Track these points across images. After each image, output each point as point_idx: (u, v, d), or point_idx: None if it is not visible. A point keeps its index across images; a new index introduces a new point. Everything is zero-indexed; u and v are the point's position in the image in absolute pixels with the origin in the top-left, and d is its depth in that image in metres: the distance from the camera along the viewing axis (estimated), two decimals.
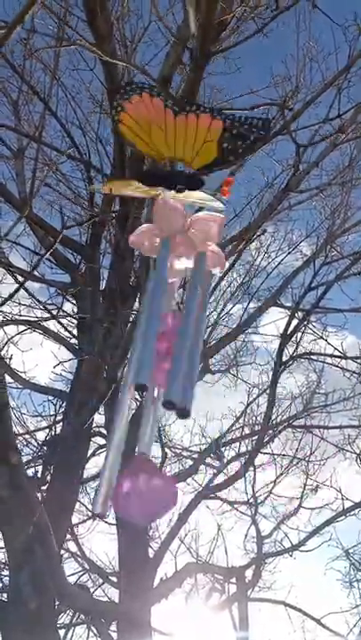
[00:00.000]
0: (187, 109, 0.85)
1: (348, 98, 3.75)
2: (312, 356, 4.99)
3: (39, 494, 3.16)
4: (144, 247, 0.81)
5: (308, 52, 4.21)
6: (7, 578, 3.31)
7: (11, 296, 2.71)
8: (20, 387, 4.12)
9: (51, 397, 4.13)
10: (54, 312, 3.85)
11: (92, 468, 4.78)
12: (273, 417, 4.66)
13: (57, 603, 3.03)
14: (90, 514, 4.75)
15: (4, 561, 3.74)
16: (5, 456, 2.32)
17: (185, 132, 0.84)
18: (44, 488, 3.46)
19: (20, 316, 3.96)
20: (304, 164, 3.93)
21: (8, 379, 3.89)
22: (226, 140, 0.83)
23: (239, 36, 2.60)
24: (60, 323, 3.93)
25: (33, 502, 2.49)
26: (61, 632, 3.85)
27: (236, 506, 4.92)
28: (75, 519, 4.54)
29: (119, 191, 0.87)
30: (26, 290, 3.70)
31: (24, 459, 4.23)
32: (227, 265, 4.88)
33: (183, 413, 0.62)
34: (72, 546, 4.50)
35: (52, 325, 4.19)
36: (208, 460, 4.76)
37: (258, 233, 4.41)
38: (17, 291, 2.70)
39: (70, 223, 3.91)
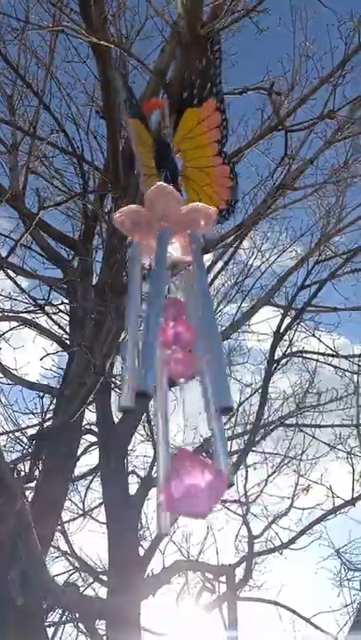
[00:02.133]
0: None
1: (343, 95, 3.76)
2: (305, 355, 4.98)
3: (27, 491, 3.13)
4: (126, 226, 0.79)
5: (305, 50, 4.22)
6: None
7: None
8: (10, 383, 4.09)
9: (41, 393, 4.10)
10: (46, 307, 3.82)
11: (83, 465, 4.77)
12: (265, 416, 4.66)
13: (44, 601, 3.01)
14: (80, 512, 4.73)
15: None
16: None
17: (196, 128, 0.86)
18: (32, 485, 3.43)
19: (12, 312, 3.94)
20: (300, 161, 3.92)
21: None
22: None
23: (230, 19, 2.56)
24: (50, 317, 3.90)
25: (16, 496, 2.46)
26: (50, 631, 3.83)
27: (227, 505, 4.91)
28: (65, 517, 4.52)
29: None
30: (17, 284, 3.68)
31: (14, 456, 4.21)
32: (220, 263, 4.90)
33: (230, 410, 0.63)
34: (62, 544, 4.48)
35: (45, 322, 4.17)
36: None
37: (251, 228, 4.39)
38: None
39: (63, 218, 3.87)
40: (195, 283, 0.74)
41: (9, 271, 3.61)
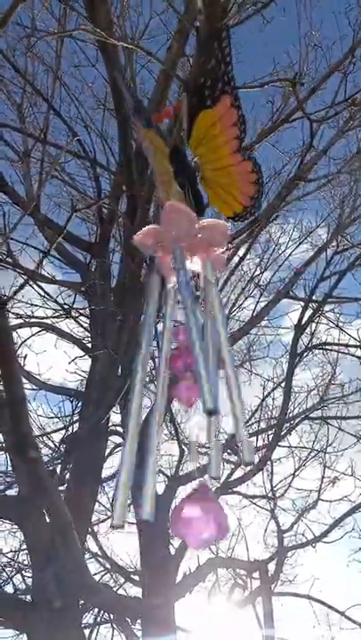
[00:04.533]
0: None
1: (353, 83, 3.71)
2: (327, 347, 4.94)
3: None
4: (147, 247, 0.80)
5: (311, 40, 4.18)
6: (30, 579, 3.32)
7: (16, 292, 2.69)
8: (35, 388, 4.13)
9: (66, 397, 4.12)
10: (66, 309, 3.84)
11: (110, 467, 4.79)
12: (289, 410, 4.63)
13: (81, 601, 3.03)
14: (110, 513, 4.75)
15: (26, 562, 3.76)
16: (25, 454, 2.30)
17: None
18: (62, 488, 3.45)
19: (34, 317, 3.97)
20: (313, 151, 3.88)
21: (23, 380, 3.91)
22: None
23: (240, 17, 2.54)
24: (74, 319, 3.93)
25: (53, 497, 2.47)
26: (86, 632, 3.86)
27: (255, 500, 4.90)
28: (94, 518, 4.55)
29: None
30: (42, 289, 3.70)
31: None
32: (236, 259, 4.88)
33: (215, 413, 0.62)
34: (92, 546, 4.51)
35: (65, 326, 4.20)
36: (225, 456, 4.73)
37: (268, 223, 4.36)
38: (22, 287, 2.68)
39: (77, 222, 3.89)
40: (209, 302, 0.75)
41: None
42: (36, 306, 3.81)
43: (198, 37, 2.03)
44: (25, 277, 2.72)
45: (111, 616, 3.76)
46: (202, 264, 0.79)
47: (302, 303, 4.65)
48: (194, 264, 0.79)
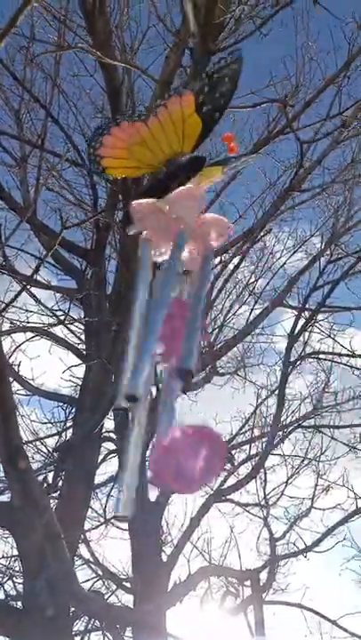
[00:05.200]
0: (155, 106, 0.81)
1: (348, 95, 3.76)
2: (320, 356, 4.97)
3: (50, 501, 3.15)
4: (141, 218, 0.78)
5: (307, 52, 4.23)
6: (21, 585, 3.31)
7: (12, 301, 2.71)
8: (28, 393, 4.13)
9: (60, 404, 4.13)
10: (62, 318, 3.85)
11: (102, 473, 4.78)
12: (282, 418, 4.64)
13: (72, 609, 3.02)
14: (102, 520, 4.75)
15: (17, 569, 3.75)
16: (15, 463, 2.31)
17: (162, 129, 0.80)
18: (55, 495, 3.46)
19: (28, 323, 3.98)
20: (307, 162, 3.93)
21: (17, 386, 3.91)
22: (203, 102, 0.78)
23: (238, 37, 2.59)
24: (67, 328, 3.94)
25: (42, 506, 2.48)
26: (77, 639, 3.84)
27: (247, 508, 4.90)
28: (87, 525, 4.54)
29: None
30: (33, 296, 3.71)
31: (34, 466, 4.24)
32: (231, 266, 4.91)
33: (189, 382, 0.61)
34: (85, 552, 4.50)
35: (60, 332, 4.20)
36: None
37: (263, 233, 4.40)
38: (18, 295, 2.70)
39: (73, 228, 3.90)
40: (195, 291, 0.73)
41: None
42: (31, 312, 3.82)
43: (193, 57, 2.06)
44: (22, 285, 2.73)
45: (102, 623, 3.75)
46: (194, 255, 0.77)
47: (296, 312, 4.68)
48: (186, 252, 0.77)
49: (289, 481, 4.91)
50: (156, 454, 0.55)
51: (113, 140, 0.83)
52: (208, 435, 0.55)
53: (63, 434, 4.18)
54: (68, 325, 3.98)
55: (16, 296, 2.46)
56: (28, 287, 3.24)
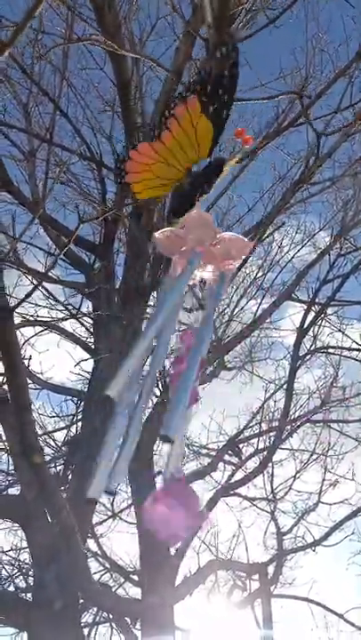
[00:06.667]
0: (165, 117, 0.82)
1: (360, 86, 3.72)
2: (329, 350, 4.94)
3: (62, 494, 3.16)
4: (164, 245, 0.81)
5: (318, 43, 4.18)
6: (32, 578, 3.33)
7: (26, 297, 2.70)
8: (37, 387, 4.14)
9: (69, 397, 4.13)
10: (72, 312, 3.85)
11: None
12: (291, 412, 4.63)
13: (81, 601, 3.04)
14: (110, 513, 4.77)
15: (27, 561, 3.78)
16: (29, 457, 2.32)
17: (177, 142, 0.81)
18: (64, 488, 3.47)
19: (37, 317, 3.98)
20: (318, 159, 3.89)
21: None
22: (207, 104, 0.77)
23: (250, 29, 2.56)
24: (79, 321, 3.93)
25: (58, 501, 2.49)
26: (85, 631, 3.87)
27: (255, 502, 4.90)
28: (95, 518, 4.56)
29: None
30: (46, 290, 3.71)
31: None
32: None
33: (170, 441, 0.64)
34: (92, 545, 4.52)
35: (69, 326, 4.20)
36: (226, 458, 4.74)
37: (275, 226, 4.37)
38: (32, 291, 2.70)
39: (89, 221, 3.90)
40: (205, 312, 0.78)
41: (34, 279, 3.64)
42: (41, 306, 3.81)
43: (207, 47, 2.04)
44: (38, 281, 2.73)
45: (110, 615, 3.77)
46: (213, 274, 0.81)
47: (305, 306, 4.65)
48: (206, 272, 0.81)
49: (297, 475, 4.91)
50: (149, 512, 0.64)
51: (135, 165, 0.86)
52: (183, 493, 0.64)
53: (73, 427, 4.20)
54: (79, 319, 3.98)
55: (31, 292, 2.45)
56: (40, 283, 3.23)
